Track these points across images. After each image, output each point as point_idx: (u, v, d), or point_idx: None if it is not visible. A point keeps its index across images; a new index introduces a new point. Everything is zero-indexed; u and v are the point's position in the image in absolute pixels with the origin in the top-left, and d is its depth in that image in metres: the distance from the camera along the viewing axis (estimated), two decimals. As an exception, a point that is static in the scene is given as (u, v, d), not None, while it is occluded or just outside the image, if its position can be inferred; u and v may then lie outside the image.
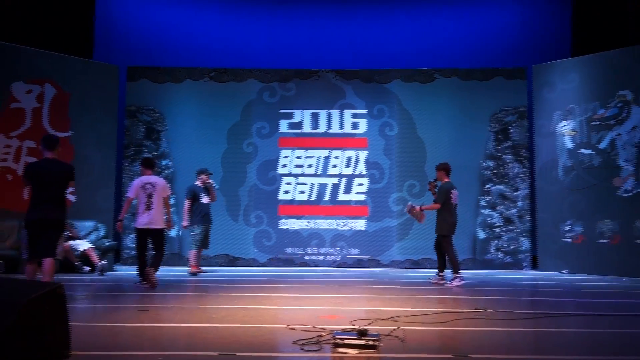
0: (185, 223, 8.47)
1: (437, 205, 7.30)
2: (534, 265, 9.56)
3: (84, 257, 8.60)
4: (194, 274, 8.33)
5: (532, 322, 4.42)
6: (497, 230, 9.80)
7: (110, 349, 3.42)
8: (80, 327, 4.03)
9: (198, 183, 8.69)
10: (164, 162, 10.07)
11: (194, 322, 4.32)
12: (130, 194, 6.98)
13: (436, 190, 7.53)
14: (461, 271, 7.34)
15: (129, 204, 6.99)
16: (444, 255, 7.36)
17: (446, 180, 7.46)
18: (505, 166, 9.99)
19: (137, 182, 7.01)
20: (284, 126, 10.12)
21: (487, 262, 9.74)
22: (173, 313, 4.88)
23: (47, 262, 5.29)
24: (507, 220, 9.78)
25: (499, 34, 10.89)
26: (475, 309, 4.93)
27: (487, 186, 9.92)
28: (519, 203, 9.76)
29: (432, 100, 10.20)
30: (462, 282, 7.16)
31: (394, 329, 3.99)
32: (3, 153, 9.15)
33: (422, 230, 9.51)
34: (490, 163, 10.03)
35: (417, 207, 7.55)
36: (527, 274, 8.93)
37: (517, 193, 9.78)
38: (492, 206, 9.93)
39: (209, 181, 8.76)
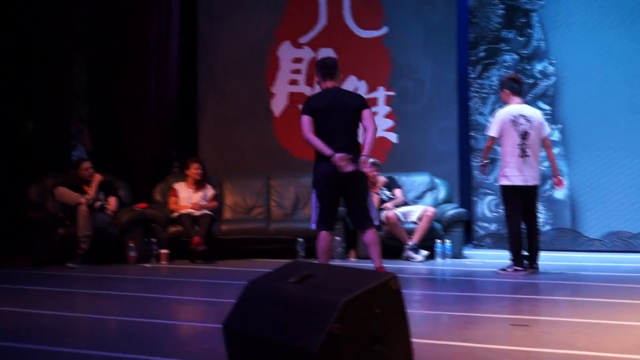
0: None
1: None
2: None
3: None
4: None
5: None
6: None
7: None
8: (423, 345, 4.33)
9: None
10: (538, 67, 10.21)
11: (609, 352, 4.23)
12: (494, 131, 7.53)
13: None
14: None
15: (492, 145, 7.64)
16: None
17: None
18: None
19: (504, 114, 7.56)
20: None
21: None
22: (570, 331, 4.87)
23: (370, 235, 6.51)
24: None
25: None
26: None
27: None
28: None
29: None
30: None
31: None
32: (291, 71, 10.34)
33: None
34: None
35: None
36: None
37: None
38: None
39: None
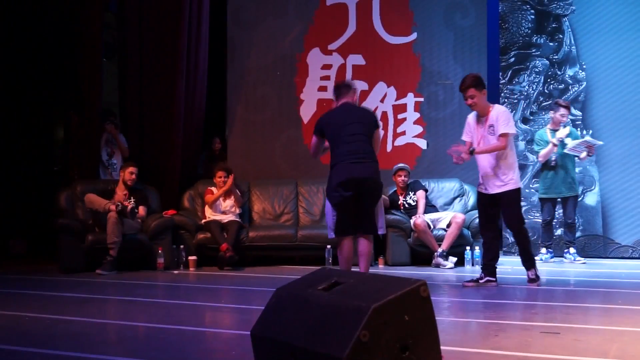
0: None
1: None
2: None
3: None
4: None
5: None
6: None
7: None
8: (452, 353, 4.33)
9: None
10: (569, 72, 10.22)
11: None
12: (512, 128, 7.23)
13: None
14: None
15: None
16: None
17: None
18: None
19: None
20: None
21: None
22: (602, 339, 4.85)
23: (364, 243, 6.66)
24: None
25: None
26: None
27: None
28: None
29: None
30: None
31: None
32: (321, 77, 10.31)
33: None
34: None
35: None
36: None
37: None
38: None
39: None
